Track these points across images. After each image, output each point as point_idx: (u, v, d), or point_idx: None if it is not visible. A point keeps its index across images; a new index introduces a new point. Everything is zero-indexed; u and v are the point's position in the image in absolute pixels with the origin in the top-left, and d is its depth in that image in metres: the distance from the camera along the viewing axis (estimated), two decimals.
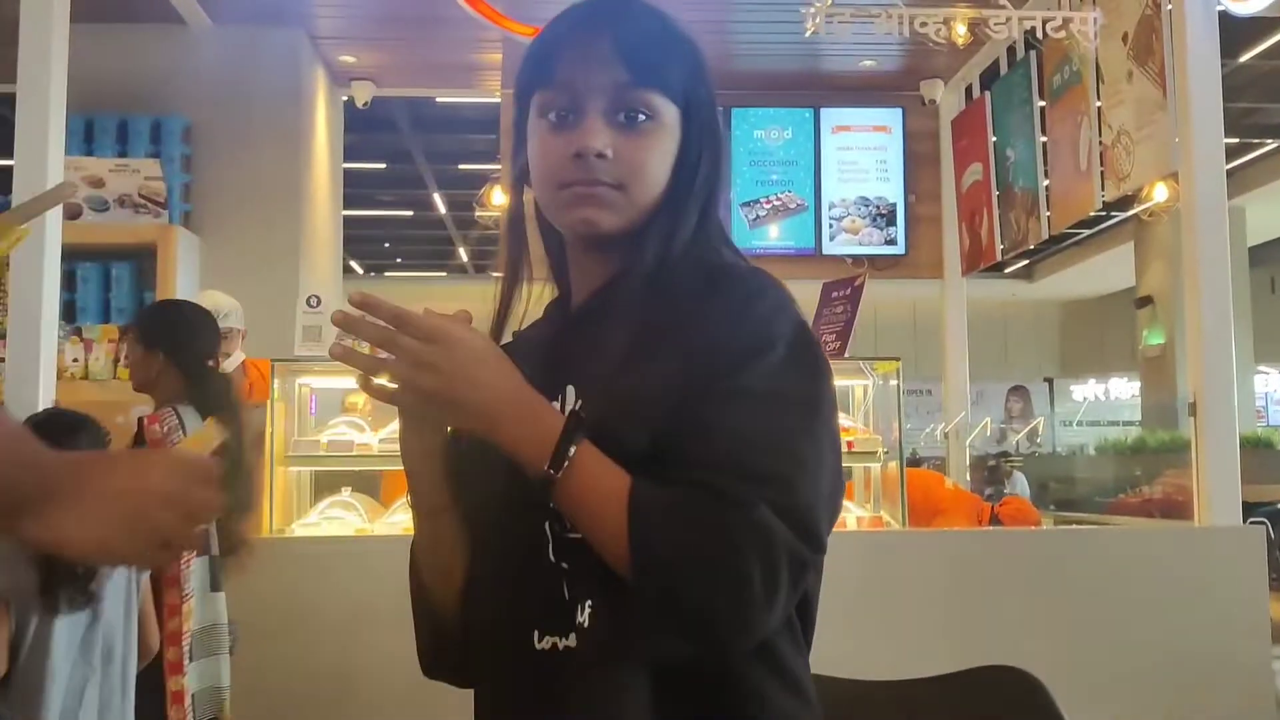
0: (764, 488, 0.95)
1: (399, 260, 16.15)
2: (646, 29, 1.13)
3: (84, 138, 5.31)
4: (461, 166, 10.94)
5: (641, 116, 1.10)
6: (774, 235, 6.54)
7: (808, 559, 0.96)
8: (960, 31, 4.37)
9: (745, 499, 0.94)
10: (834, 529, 1.03)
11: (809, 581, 1.04)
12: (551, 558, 1.04)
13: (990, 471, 8.51)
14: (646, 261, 1.09)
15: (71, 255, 4.06)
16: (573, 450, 0.97)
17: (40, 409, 3.26)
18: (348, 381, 4.69)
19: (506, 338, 1.18)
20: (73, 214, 4.96)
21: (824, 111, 6.62)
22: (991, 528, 4.17)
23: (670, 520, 0.95)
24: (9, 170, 3.78)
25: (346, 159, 6.96)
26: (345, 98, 6.70)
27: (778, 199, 6.55)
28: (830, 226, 6.56)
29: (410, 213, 13.17)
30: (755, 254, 6.37)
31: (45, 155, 3.73)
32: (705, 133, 1.15)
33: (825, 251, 6.54)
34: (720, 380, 1.00)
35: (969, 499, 4.43)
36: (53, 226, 3.73)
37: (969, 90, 6.57)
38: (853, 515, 3.95)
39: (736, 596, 0.93)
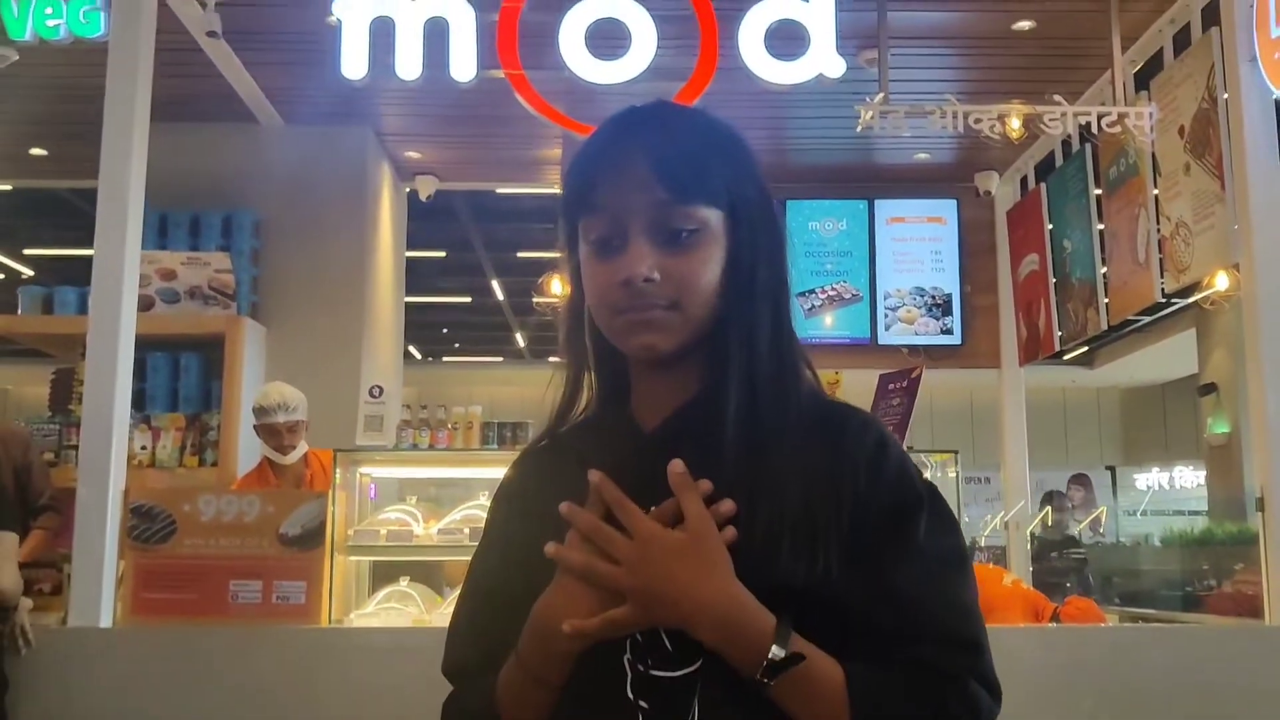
0: (966, 656, 0.99)
1: (457, 345, 16.33)
2: (681, 139, 1.09)
3: (159, 231, 5.49)
4: (520, 254, 11.11)
5: (685, 233, 1.06)
6: (829, 325, 6.56)
7: (996, 715, 1.00)
8: (1015, 126, 4.41)
9: (957, 673, 0.98)
10: None
11: None
12: (630, 695, 1.00)
13: (1076, 568, 8.23)
14: (733, 384, 1.06)
15: (142, 345, 4.19)
16: (798, 662, 0.96)
17: (113, 499, 3.33)
18: (407, 471, 4.76)
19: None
20: (145, 306, 5.11)
21: (878, 203, 6.68)
22: (1052, 625, 4.08)
23: (894, 707, 0.96)
24: (89, 260, 3.93)
25: (408, 247, 7.12)
26: (409, 190, 6.87)
27: (833, 289, 6.58)
28: (886, 316, 6.57)
29: (469, 299, 13.36)
30: (811, 343, 6.38)
31: (123, 248, 3.86)
32: (759, 231, 1.10)
33: (881, 341, 6.54)
34: (890, 539, 1.02)
35: (1029, 596, 4.35)
36: (127, 318, 3.85)
37: (1024, 181, 6.59)
38: None
39: None
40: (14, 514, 3.57)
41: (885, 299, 6.59)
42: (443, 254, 11.20)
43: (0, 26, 4.32)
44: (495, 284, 12.30)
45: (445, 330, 15.44)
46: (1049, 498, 8.63)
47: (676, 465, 0.99)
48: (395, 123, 6.05)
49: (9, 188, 7.78)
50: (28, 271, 11.32)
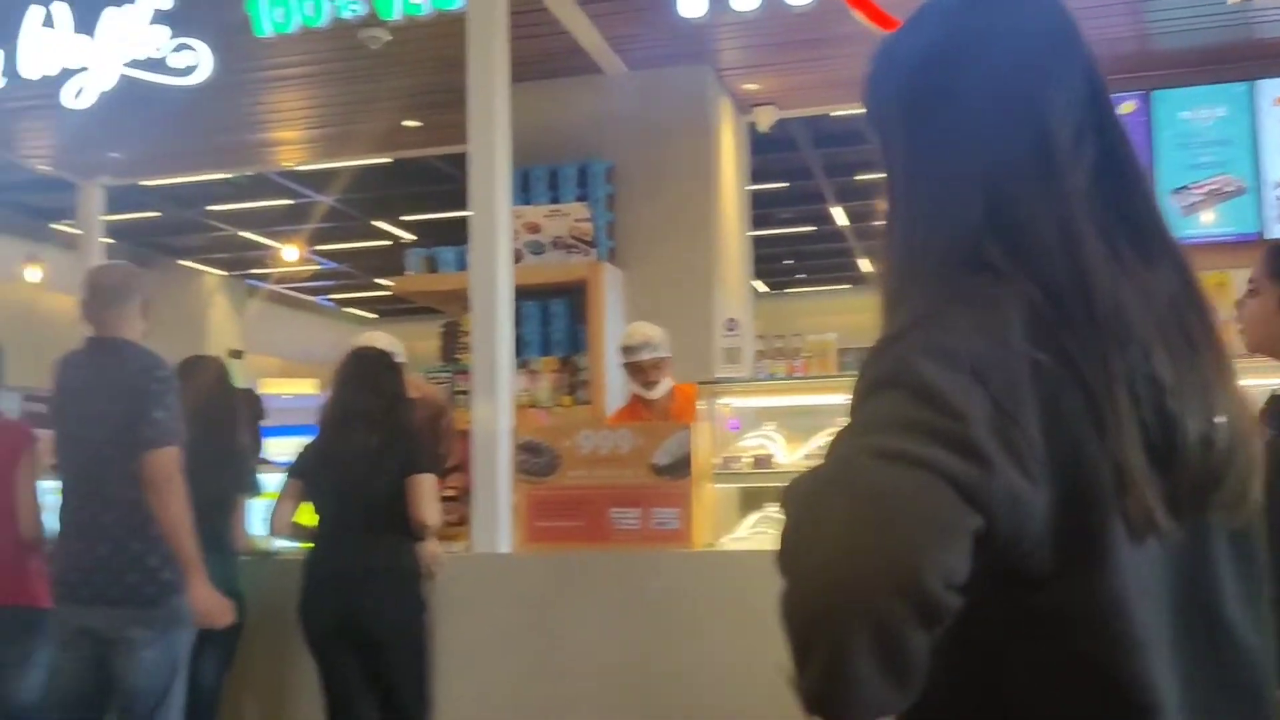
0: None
1: (800, 276, 16.33)
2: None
3: (521, 188, 5.83)
4: (859, 177, 10.90)
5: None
6: (1209, 221, 6.00)
7: None
8: None
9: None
10: None
11: None
12: None
13: None
14: None
15: (515, 295, 4.50)
16: None
17: (503, 437, 3.61)
18: (763, 400, 4.85)
19: None
20: (514, 259, 5.47)
21: (1260, 84, 6.00)
22: None
23: None
24: (462, 221, 4.26)
25: (749, 182, 7.16)
26: (749, 123, 6.90)
27: (1212, 183, 6.00)
28: (1277, 208, 5.93)
29: (811, 228, 13.30)
30: (1190, 242, 5.86)
31: (493, 206, 4.16)
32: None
33: (1271, 235, 5.92)
34: None
35: None
36: (504, 271, 4.15)
37: None
38: None
39: None
40: (433, 459, 3.95)
41: (1275, 189, 5.94)
42: (784, 185, 11.20)
43: (371, 10, 4.73)
44: (836, 210, 12.16)
45: (788, 261, 15.48)
46: None
47: None
48: (733, 56, 6.08)
49: (389, 160, 8.50)
50: (408, 236, 12.39)
